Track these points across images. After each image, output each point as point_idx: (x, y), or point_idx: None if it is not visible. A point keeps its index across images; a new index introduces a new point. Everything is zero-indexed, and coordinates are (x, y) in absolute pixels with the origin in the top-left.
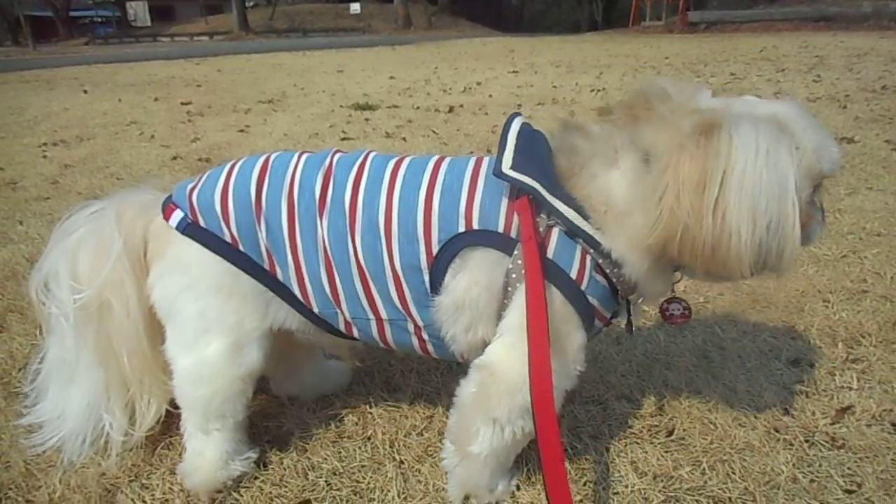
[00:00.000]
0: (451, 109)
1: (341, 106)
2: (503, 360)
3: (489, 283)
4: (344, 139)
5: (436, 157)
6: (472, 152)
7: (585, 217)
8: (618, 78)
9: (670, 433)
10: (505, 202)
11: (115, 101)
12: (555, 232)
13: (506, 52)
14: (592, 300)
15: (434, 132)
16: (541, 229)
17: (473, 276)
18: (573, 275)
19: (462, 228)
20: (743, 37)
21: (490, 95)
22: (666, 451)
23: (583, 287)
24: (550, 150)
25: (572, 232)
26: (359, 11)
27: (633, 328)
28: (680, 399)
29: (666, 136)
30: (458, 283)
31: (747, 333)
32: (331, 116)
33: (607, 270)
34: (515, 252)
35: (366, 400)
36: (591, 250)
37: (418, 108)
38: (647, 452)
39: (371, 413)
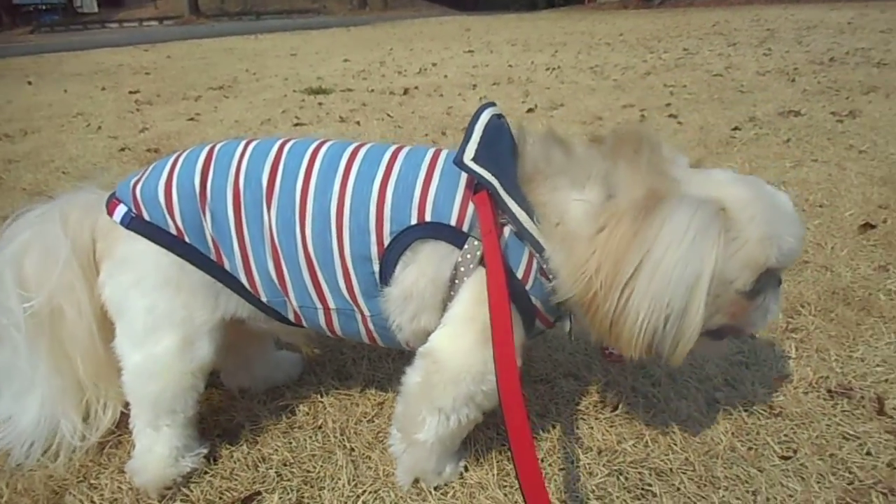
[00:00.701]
0: (405, 91)
1: (294, 91)
2: (446, 348)
3: (435, 276)
4: (297, 125)
5: (393, 147)
6: (426, 135)
7: (536, 222)
8: (573, 56)
9: (615, 408)
10: (460, 195)
11: (60, 91)
12: (506, 230)
13: (462, 32)
14: (536, 301)
15: (388, 115)
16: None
17: (422, 268)
18: (519, 274)
19: (414, 221)
20: (696, 11)
21: (445, 76)
22: (611, 426)
23: (527, 287)
24: (515, 148)
25: (521, 233)
26: None
27: (573, 336)
28: (625, 375)
29: (629, 190)
30: (406, 274)
31: None
32: (283, 102)
33: (550, 276)
34: (466, 246)
35: (317, 389)
36: (537, 254)
37: (373, 90)
38: (592, 428)
39: (322, 402)
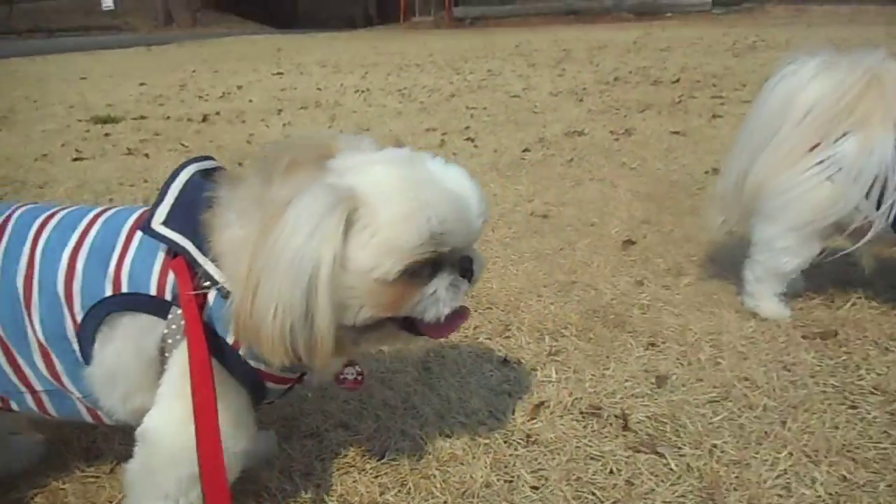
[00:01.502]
0: (204, 118)
1: (79, 120)
2: (158, 428)
3: (138, 351)
4: (76, 159)
5: (94, 212)
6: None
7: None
8: (383, 77)
9: (382, 457)
10: (159, 261)
11: None
12: (212, 293)
13: (273, 52)
14: (257, 364)
15: (182, 145)
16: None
17: (122, 343)
18: (230, 339)
19: (110, 292)
20: (502, 32)
21: (250, 101)
22: (375, 477)
23: (241, 351)
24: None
25: (225, 294)
26: (112, 7)
27: (315, 385)
28: (396, 418)
29: (271, 204)
30: (107, 352)
31: (467, 337)
32: (65, 133)
33: None
34: (170, 316)
35: (59, 475)
36: None
37: (169, 117)
38: (357, 482)
39: (64, 489)
